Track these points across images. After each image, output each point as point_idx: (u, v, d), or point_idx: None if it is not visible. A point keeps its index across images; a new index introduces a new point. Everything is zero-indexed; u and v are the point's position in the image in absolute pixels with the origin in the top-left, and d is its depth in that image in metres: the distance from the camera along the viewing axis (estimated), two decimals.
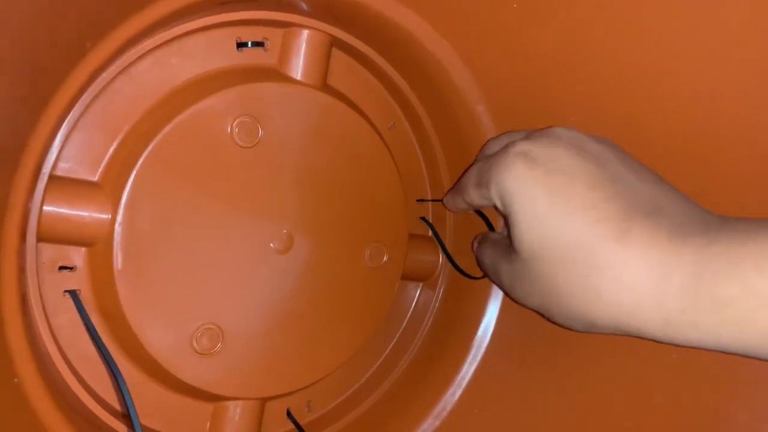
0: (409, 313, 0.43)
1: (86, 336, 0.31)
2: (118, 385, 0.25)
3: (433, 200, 0.43)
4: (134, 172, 0.30)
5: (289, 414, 0.38)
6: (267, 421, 0.37)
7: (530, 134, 0.28)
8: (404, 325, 0.42)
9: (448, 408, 0.38)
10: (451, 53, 0.36)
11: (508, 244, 0.28)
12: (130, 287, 0.30)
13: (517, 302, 0.29)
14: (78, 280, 0.31)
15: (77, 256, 0.31)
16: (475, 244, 0.35)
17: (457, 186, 0.34)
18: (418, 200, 0.42)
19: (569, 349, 0.34)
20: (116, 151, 0.31)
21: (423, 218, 0.43)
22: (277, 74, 0.35)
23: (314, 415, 0.39)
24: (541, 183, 0.25)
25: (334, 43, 0.36)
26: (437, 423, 0.38)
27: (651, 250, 0.22)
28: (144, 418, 0.34)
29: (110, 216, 0.30)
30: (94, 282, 0.31)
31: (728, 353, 0.21)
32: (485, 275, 0.34)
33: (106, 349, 0.28)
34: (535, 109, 0.34)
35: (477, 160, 0.32)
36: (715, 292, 0.20)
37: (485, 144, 0.35)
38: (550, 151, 0.26)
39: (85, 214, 0.30)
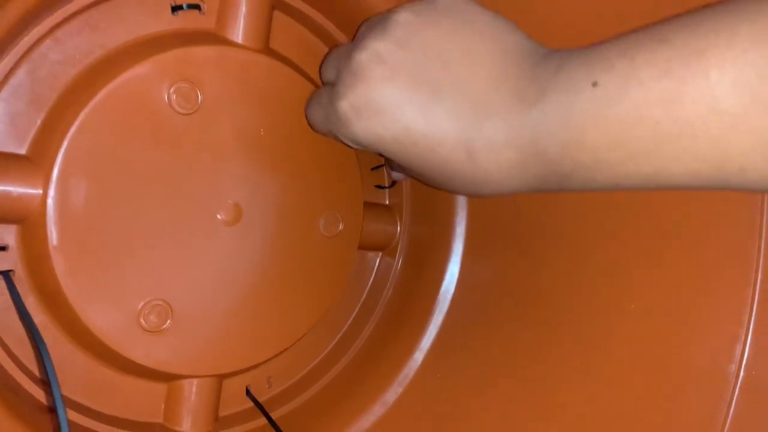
0: (369, 283, 0.42)
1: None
2: (42, 359, 0.24)
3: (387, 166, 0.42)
4: (65, 144, 0.28)
5: (248, 392, 0.37)
6: (226, 399, 0.36)
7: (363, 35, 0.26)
8: (365, 295, 0.42)
9: (411, 374, 0.37)
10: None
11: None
12: (68, 264, 0.29)
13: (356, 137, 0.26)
14: (11, 260, 0.29)
15: (8, 234, 0.29)
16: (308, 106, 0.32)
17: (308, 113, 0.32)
18: (372, 168, 0.42)
19: (530, 310, 0.34)
20: (45, 121, 0.29)
21: (378, 186, 0.42)
22: (216, 38, 0.33)
23: (275, 390, 0.38)
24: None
25: (276, 4, 0.35)
26: (400, 390, 0.37)
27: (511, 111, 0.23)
28: (96, 403, 0.32)
29: (41, 191, 0.28)
30: (28, 261, 0.29)
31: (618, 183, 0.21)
32: (312, 125, 0.31)
33: (33, 322, 0.26)
34: None
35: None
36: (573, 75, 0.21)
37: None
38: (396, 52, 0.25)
39: (13, 189, 0.28)
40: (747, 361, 0.25)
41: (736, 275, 0.25)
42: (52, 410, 0.29)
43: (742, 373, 0.25)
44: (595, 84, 0.20)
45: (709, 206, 0.26)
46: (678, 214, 0.28)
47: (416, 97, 0.24)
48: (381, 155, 0.28)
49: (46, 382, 0.30)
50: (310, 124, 0.32)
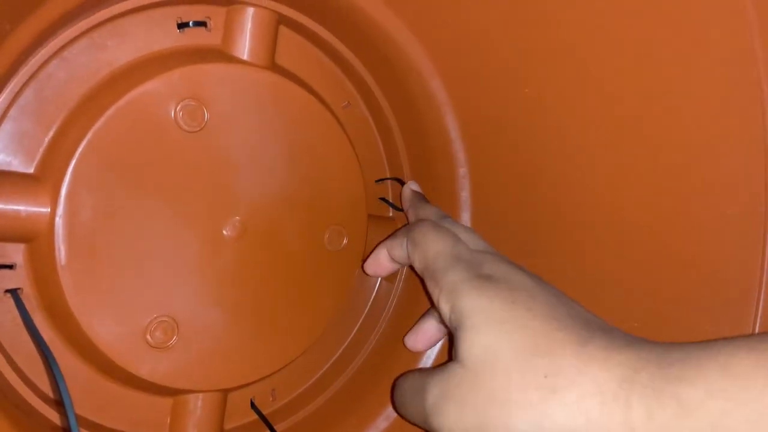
0: (373, 296, 0.42)
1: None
2: (56, 381, 0.24)
3: (392, 179, 0.42)
4: (73, 163, 0.28)
5: (252, 404, 0.37)
6: (230, 411, 0.36)
7: (473, 257, 0.27)
8: (368, 307, 0.42)
9: None
10: (402, 27, 0.35)
11: (433, 370, 0.26)
12: (76, 283, 0.29)
13: (434, 428, 0.24)
14: (19, 279, 0.29)
15: (16, 253, 0.29)
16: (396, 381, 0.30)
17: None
18: (377, 180, 0.42)
19: None
20: (52, 140, 0.30)
21: (383, 198, 0.42)
22: (222, 54, 0.33)
23: (279, 403, 0.38)
24: (502, 295, 0.24)
25: (281, 20, 0.35)
26: None
27: (614, 352, 0.21)
28: (102, 418, 0.32)
29: (49, 209, 0.28)
30: (36, 279, 0.30)
31: None
32: (396, 409, 0.29)
33: (46, 345, 0.26)
34: (488, 80, 0.34)
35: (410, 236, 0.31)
36: (681, 392, 0.19)
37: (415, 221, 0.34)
38: (507, 272, 0.26)
39: (22, 208, 0.28)
40: None
41: None
42: (65, 431, 0.30)
43: None
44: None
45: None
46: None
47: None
48: (442, 316, 0.27)
49: (56, 401, 0.30)
50: (395, 409, 0.29)
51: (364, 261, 0.36)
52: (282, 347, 0.36)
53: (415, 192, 0.37)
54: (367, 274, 0.35)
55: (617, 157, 0.29)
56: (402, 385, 0.28)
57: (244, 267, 0.34)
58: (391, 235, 0.34)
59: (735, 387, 0.18)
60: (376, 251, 0.34)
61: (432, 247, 0.29)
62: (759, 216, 0.24)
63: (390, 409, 0.38)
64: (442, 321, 0.30)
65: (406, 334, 0.35)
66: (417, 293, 0.41)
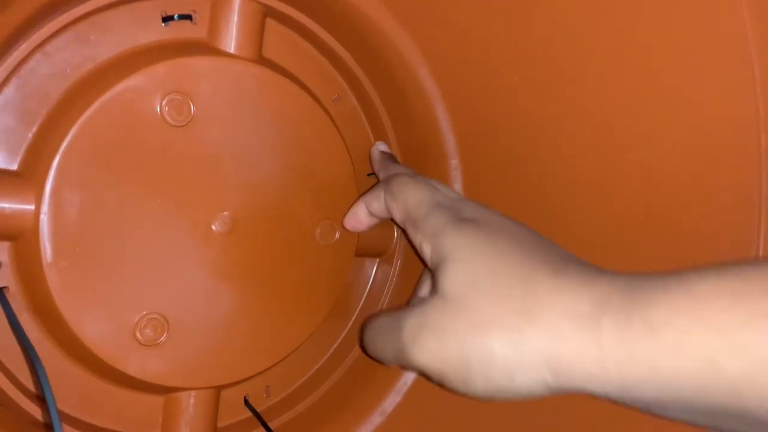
0: (367, 290, 0.42)
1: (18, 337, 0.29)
2: (38, 376, 0.24)
3: None
4: (57, 159, 0.28)
5: (246, 401, 0.36)
6: (224, 409, 0.36)
7: (453, 204, 0.28)
8: (362, 302, 0.41)
9: (409, 382, 0.37)
10: (391, 18, 0.35)
11: (408, 307, 0.26)
12: (62, 281, 0.28)
13: (412, 362, 0.24)
14: (4, 277, 0.29)
15: (1, 251, 0.29)
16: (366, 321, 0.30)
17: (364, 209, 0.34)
18: (368, 174, 0.41)
19: None
20: (36, 136, 0.29)
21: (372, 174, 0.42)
22: (208, 48, 0.33)
23: (273, 400, 0.38)
24: (483, 233, 0.25)
25: (268, 12, 0.35)
26: (398, 398, 0.37)
27: (587, 280, 0.22)
28: (93, 417, 0.32)
29: (34, 207, 0.28)
30: (22, 278, 0.29)
31: (662, 406, 0.20)
32: (364, 348, 0.29)
33: (29, 342, 0.26)
34: (477, 69, 0.33)
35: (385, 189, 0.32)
36: (648, 315, 0.20)
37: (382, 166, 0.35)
38: (487, 215, 0.27)
39: (6, 205, 0.28)
40: None
41: None
42: (48, 426, 0.29)
43: None
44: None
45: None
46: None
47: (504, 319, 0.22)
48: (420, 253, 0.28)
49: (41, 397, 0.30)
50: (364, 346, 0.29)
51: (342, 218, 0.36)
52: (275, 343, 0.35)
53: (384, 152, 0.38)
54: (347, 230, 0.36)
55: (608, 147, 0.29)
56: (373, 324, 0.28)
57: (235, 262, 0.33)
58: (368, 190, 0.34)
59: (698, 307, 0.19)
60: (353, 206, 0.35)
61: (412, 197, 0.29)
62: (753, 209, 0.24)
63: (385, 404, 0.37)
64: (371, 213, 0.33)
65: (343, 218, 0.36)
66: (411, 288, 0.40)
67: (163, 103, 0.30)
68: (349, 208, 0.35)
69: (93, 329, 0.29)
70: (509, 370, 0.22)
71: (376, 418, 0.37)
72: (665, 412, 0.21)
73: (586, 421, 0.29)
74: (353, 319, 0.41)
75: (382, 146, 0.38)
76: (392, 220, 0.32)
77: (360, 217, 0.34)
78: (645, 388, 0.20)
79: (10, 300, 0.29)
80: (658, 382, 0.19)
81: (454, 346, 0.23)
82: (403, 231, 0.30)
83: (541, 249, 0.25)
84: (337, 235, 0.37)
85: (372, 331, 0.28)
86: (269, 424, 0.36)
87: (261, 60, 0.34)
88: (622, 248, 0.29)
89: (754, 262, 0.20)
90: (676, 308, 0.19)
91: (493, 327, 0.22)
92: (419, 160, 0.39)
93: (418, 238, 0.28)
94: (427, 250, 0.27)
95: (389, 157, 0.37)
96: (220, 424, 0.35)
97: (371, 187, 0.34)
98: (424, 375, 0.24)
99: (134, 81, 0.30)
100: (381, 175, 0.36)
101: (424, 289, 0.30)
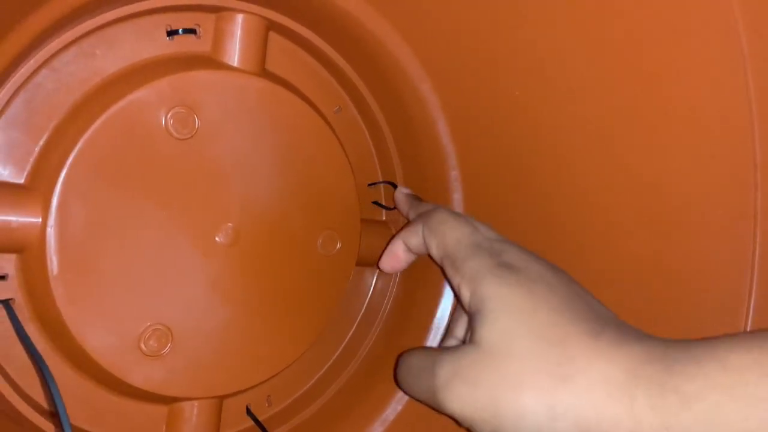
0: (367, 300, 0.42)
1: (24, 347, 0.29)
2: (50, 390, 0.24)
3: (384, 182, 0.42)
4: (64, 172, 0.28)
5: (248, 411, 0.37)
6: (226, 418, 0.36)
7: (493, 245, 0.28)
8: (363, 311, 0.42)
9: None
10: (392, 31, 0.35)
11: (443, 349, 0.26)
12: (68, 293, 0.29)
13: (443, 406, 0.25)
14: (10, 289, 0.29)
15: (8, 263, 0.29)
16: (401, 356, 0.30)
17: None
18: (369, 184, 0.42)
19: None
20: (43, 150, 0.29)
21: (375, 202, 0.42)
22: (212, 61, 0.33)
23: (275, 409, 0.38)
24: (522, 284, 0.25)
25: (271, 26, 0.35)
26: (399, 407, 0.37)
27: (622, 346, 0.22)
28: (97, 427, 0.32)
29: (41, 219, 0.28)
30: (28, 290, 0.29)
31: None
32: (399, 384, 0.29)
33: (39, 354, 0.26)
34: (478, 81, 0.34)
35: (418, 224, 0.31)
36: (681, 386, 0.20)
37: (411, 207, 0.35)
38: (527, 262, 0.27)
39: (13, 219, 0.28)
40: None
41: None
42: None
43: None
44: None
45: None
46: None
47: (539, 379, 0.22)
48: (459, 299, 0.27)
49: (51, 411, 0.30)
50: (398, 382, 0.30)
51: (378, 260, 0.35)
52: (277, 353, 0.36)
53: (409, 194, 0.38)
54: (384, 272, 0.35)
55: (607, 159, 0.30)
56: (408, 361, 0.28)
57: (238, 273, 0.34)
58: (403, 228, 0.33)
59: (730, 381, 0.19)
60: (391, 245, 0.34)
61: (451, 234, 0.29)
62: (749, 219, 0.25)
63: (386, 413, 0.38)
64: (409, 249, 0.33)
65: (379, 260, 0.35)
66: (411, 298, 0.41)
67: (168, 116, 0.31)
68: (384, 249, 0.34)
69: (98, 341, 0.30)
70: (538, 429, 0.22)
71: (378, 428, 0.37)
72: None
73: None
74: (354, 328, 0.41)
75: (405, 190, 0.38)
76: (429, 256, 0.31)
77: (399, 254, 0.33)
78: None
79: (17, 312, 0.29)
80: None
81: (486, 399, 0.23)
82: (441, 268, 0.30)
83: (580, 306, 0.25)
84: (338, 246, 0.37)
85: (406, 367, 0.28)
86: None
87: (264, 73, 0.35)
88: (621, 258, 0.30)
89: None
90: (708, 381, 0.19)
91: (527, 385, 0.22)
92: (420, 171, 0.40)
93: (456, 279, 0.27)
94: (465, 294, 0.26)
95: (416, 198, 0.37)
96: None
97: (405, 226, 0.33)
98: (454, 420, 0.25)
99: (140, 95, 0.30)
100: (412, 215, 0.36)
101: (459, 330, 0.31)
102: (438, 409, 0.25)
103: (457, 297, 0.28)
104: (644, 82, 0.27)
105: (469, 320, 0.26)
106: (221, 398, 0.35)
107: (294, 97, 0.35)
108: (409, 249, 0.33)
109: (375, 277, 0.42)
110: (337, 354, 0.41)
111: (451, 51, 0.35)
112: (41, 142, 0.29)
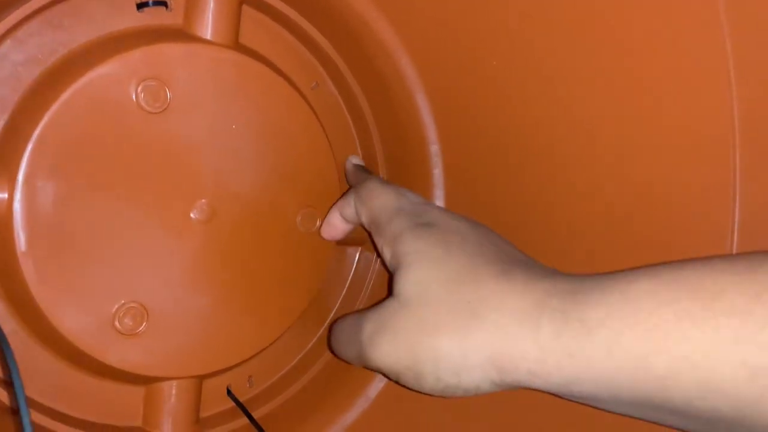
0: (349, 278, 0.42)
1: None
2: (5, 357, 0.23)
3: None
4: (30, 146, 0.28)
5: (229, 391, 0.36)
6: (207, 399, 0.35)
7: (415, 208, 0.29)
8: (345, 290, 0.41)
9: None
10: (370, 5, 0.35)
11: (368, 309, 0.27)
12: (37, 270, 0.28)
13: (369, 362, 0.25)
14: None
15: None
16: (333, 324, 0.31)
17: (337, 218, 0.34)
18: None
19: None
20: (8, 124, 0.29)
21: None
22: (184, 34, 0.32)
23: (256, 389, 0.38)
24: (437, 238, 0.26)
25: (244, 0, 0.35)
26: (381, 384, 0.37)
27: (532, 282, 0.23)
28: (72, 409, 0.32)
29: (7, 195, 0.28)
30: None
31: (599, 400, 0.21)
32: (332, 350, 0.30)
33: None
34: (459, 56, 0.33)
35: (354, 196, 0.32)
36: (585, 314, 0.21)
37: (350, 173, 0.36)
38: (446, 219, 0.28)
39: None
40: None
41: None
42: (15, 412, 0.29)
43: None
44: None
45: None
46: None
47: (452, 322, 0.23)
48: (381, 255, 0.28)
49: (6, 381, 0.29)
50: (331, 347, 0.30)
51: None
52: (257, 332, 0.35)
53: (357, 165, 0.38)
54: (325, 239, 0.36)
55: (585, 134, 0.29)
56: (339, 326, 0.29)
57: (215, 251, 0.33)
58: (340, 197, 0.34)
59: (629, 309, 0.20)
60: (328, 215, 0.35)
61: (377, 201, 0.30)
62: (728, 209, 0.24)
63: (369, 392, 0.37)
64: (344, 219, 0.34)
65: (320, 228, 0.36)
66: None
67: (139, 89, 0.30)
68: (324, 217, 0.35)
69: (70, 319, 0.29)
70: (456, 369, 0.23)
71: (361, 404, 0.37)
72: (602, 406, 0.22)
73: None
74: (336, 307, 0.41)
75: (355, 159, 0.39)
76: (361, 225, 0.32)
77: (335, 224, 0.35)
78: (582, 384, 0.21)
79: None
80: (594, 379, 0.20)
81: (405, 347, 0.24)
82: (369, 235, 0.30)
83: (492, 250, 0.26)
84: (318, 223, 0.37)
85: (337, 331, 0.29)
86: (253, 413, 0.36)
87: (238, 47, 0.34)
88: (599, 240, 0.30)
89: (685, 262, 0.21)
90: (610, 309, 0.20)
91: (441, 327, 0.23)
92: (400, 146, 0.39)
93: (380, 243, 0.28)
94: (387, 254, 0.28)
95: (362, 168, 0.38)
96: (202, 414, 0.35)
97: (342, 195, 0.34)
98: (382, 374, 0.25)
99: (109, 67, 0.29)
100: (353, 184, 0.37)
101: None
102: (367, 366, 0.26)
103: (382, 259, 0.28)
104: (627, 70, 0.26)
105: (391, 278, 0.27)
106: (201, 378, 0.34)
107: (269, 71, 0.34)
108: (345, 219, 0.34)
109: (357, 256, 0.42)
110: (319, 333, 0.40)
111: (430, 23, 0.34)
112: (6, 115, 0.29)
